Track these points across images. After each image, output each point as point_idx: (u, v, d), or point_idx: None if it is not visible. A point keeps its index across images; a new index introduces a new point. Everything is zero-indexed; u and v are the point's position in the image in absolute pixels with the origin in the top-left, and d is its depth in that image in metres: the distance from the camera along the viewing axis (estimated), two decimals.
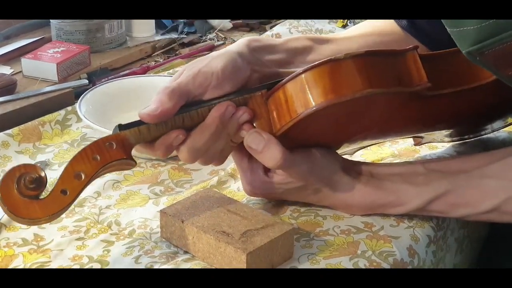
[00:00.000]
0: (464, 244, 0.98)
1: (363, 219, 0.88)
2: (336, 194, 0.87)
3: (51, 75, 1.25)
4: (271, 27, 1.54)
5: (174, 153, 0.82)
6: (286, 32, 1.43)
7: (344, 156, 0.90)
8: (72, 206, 0.85)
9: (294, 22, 1.47)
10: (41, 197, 0.75)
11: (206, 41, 1.51)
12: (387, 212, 0.88)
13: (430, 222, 0.89)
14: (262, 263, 0.78)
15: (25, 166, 0.75)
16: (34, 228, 0.86)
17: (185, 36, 1.51)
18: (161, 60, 1.41)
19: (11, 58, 1.34)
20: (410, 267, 0.84)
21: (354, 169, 0.88)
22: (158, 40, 1.48)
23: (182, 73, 0.83)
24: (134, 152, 0.80)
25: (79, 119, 1.10)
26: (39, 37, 1.40)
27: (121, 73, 1.31)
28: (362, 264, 0.81)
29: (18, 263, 0.81)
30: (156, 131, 0.80)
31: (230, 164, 0.97)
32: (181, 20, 1.55)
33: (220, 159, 0.85)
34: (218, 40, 1.52)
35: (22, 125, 1.07)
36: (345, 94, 0.78)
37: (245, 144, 0.82)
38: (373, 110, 0.83)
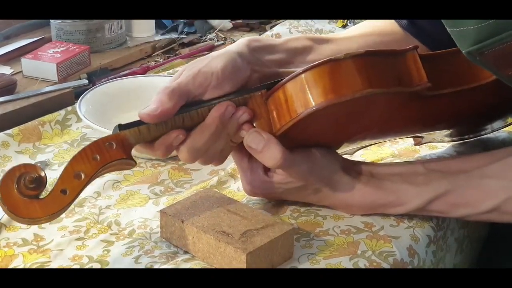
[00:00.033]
0: (464, 244, 0.98)
1: (363, 219, 0.88)
2: (336, 194, 0.87)
3: (51, 75, 1.25)
4: (271, 27, 1.54)
5: (174, 153, 0.82)
6: (286, 32, 1.43)
7: (344, 156, 0.90)
8: (72, 206, 0.85)
9: (294, 22, 1.47)
10: (41, 196, 0.75)
11: (206, 41, 1.51)
12: (387, 212, 0.88)
13: (430, 222, 0.89)
14: (262, 263, 0.78)
15: (25, 165, 0.76)
16: (34, 228, 0.86)
17: (185, 36, 1.51)
18: (161, 60, 1.41)
19: (11, 58, 1.34)
20: (410, 267, 0.84)
21: (354, 169, 0.88)
22: (158, 40, 1.48)
23: (182, 73, 0.83)
24: (134, 152, 0.80)
25: (79, 119, 1.10)
26: (39, 37, 1.40)
27: (121, 73, 1.31)
28: (362, 264, 0.81)
29: (18, 263, 0.81)
30: (156, 131, 0.80)
31: (230, 164, 0.97)
32: (181, 20, 1.55)
33: (220, 159, 0.85)
34: (218, 40, 1.52)
35: (22, 125, 1.07)
36: (345, 94, 0.78)
37: (245, 144, 0.82)
38: (373, 110, 0.83)
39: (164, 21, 1.53)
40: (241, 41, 0.88)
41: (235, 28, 1.59)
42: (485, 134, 1.04)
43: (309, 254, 0.82)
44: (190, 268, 0.80)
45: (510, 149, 0.89)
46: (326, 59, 0.79)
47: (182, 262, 0.81)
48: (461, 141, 1.03)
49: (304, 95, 0.79)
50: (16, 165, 0.75)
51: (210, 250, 0.80)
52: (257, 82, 0.86)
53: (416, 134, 0.99)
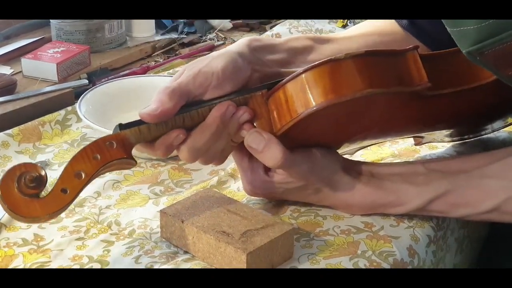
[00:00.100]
0: (464, 244, 0.98)
1: (363, 219, 0.88)
2: (336, 194, 0.87)
3: (51, 75, 1.25)
4: (271, 27, 1.54)
5: (174, 153, 0.82)
6: (286, 32, 1.43)
7: (344, 156, 0.90)
8: (72, 206, 0.85)
9: (294, 22, 1.47)
10: (41, 195, 0.75)
11: (206, 41, 1.51)
12: (387, 212, 0.88)
13: (430, 222, 0.89)
14: (262, 263, 0.78)
15: (25, 165, 0.76)
16: (34, 228, 0.86)
17: (185, 36, 1.51)
18: (161, 60, 1.41)
19: (11, 58, 1.34)
20: (410, 267, 0.84)
21: (355, 169, 0.88)
22: (158, 40, 1.48)
23: (183, 73, 0.83)
24: (134, 152, 0.80)
25: (79, 119, 1.10)
26: (39, 37, 1.40)
27: (121, 73, 1.31)
28: (362, 264, 0.81)
29: (18, 263, 0.81)
30: (156, 130, 0.80)
31: (230, 164, 0.97)
32: (181, 20, 1.55)
33: (220, 159, 0.85)
34: (218, 40, 1.52)
35: (22, 125, 1.07)
36: (345, 94, 0.78)
37: (245, 143, 0.82)
38: (373, 110, 0.83)
39: (164, 21, 1.53)
40: (242, 41, 0.88)
41: (235, 28, 1.59)
42: (485, 134, 1.04)
43: (309, 254, 0.82)
44: (190, 268, 0.80)
45: (510, 149, 0.89)
46: (326, 59, 0.79)
47: (182, 262, 0.81)
48: (461, 141, 1.03)
49: (305, 95, 0.79)
50: (16, 164, 0.76)
51: (210, 250, 0.80)
52: (257, 82, 0.86)
53: (417, 134, 0.99)
